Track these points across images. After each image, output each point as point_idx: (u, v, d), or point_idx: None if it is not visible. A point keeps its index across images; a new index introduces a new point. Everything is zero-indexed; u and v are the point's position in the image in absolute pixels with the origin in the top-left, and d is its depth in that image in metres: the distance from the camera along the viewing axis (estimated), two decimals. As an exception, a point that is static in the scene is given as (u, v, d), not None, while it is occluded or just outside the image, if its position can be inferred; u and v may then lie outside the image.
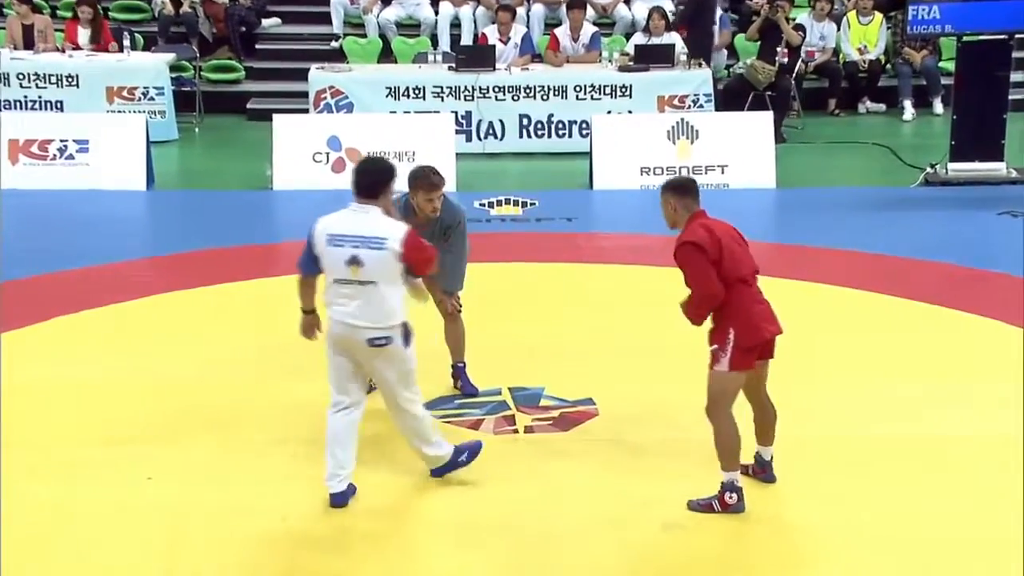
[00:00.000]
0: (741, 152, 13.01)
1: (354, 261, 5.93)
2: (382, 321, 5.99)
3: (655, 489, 6.45)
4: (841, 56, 16.08)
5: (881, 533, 6.06)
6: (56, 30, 15.47)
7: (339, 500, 6.19)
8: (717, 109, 14.27)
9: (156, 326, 8.83)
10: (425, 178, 6.95)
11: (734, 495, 6.13)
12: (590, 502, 6.35)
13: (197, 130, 15.26)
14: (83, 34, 15.27)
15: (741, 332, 5.92)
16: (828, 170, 13.73)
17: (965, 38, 12.71)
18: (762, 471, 6.46)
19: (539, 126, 14.34)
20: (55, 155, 12.87)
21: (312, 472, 6.45)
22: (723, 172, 12.97)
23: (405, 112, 13.98)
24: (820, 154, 14.31)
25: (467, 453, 6.49)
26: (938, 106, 15.79)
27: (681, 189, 6.07)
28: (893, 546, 5.95)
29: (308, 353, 8.26)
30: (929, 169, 13.02)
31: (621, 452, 6.89)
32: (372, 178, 6.01)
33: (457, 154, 12.97)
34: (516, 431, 7.17)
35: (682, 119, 13.19)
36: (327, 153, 12.95)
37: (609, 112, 14.06)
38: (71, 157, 12.87)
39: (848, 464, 6.76)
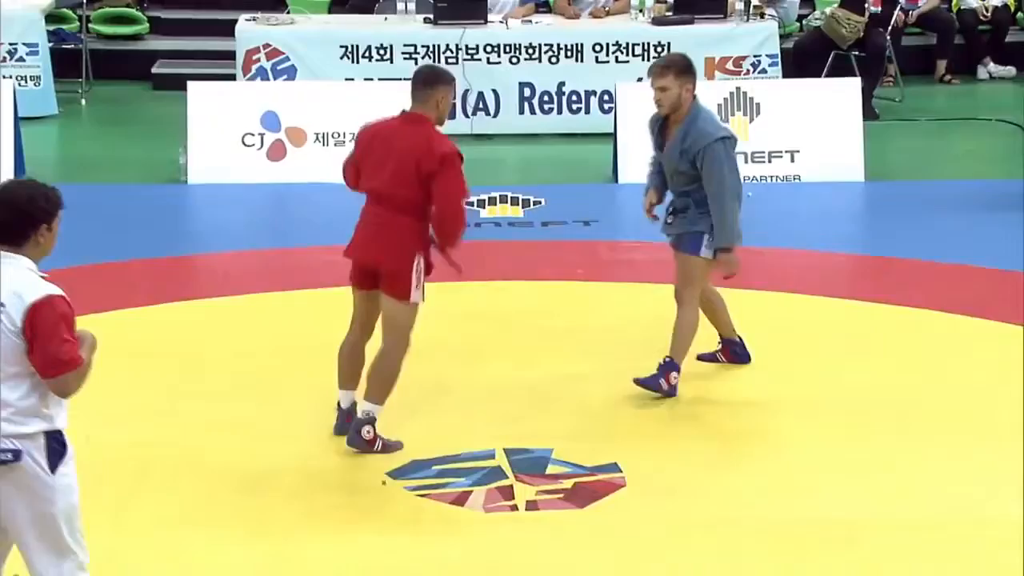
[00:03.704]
0: (817, 133, 13.05)
1: None
2: (6, 425, 5.21)
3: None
4: (954, 3, 16.16)
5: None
6: None
7: None
8: (785, 75, 14.38)
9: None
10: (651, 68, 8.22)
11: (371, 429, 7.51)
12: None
13: (84, 102, 15.32)
14: (-73, -28, 15.36)
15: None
16: (936, 157, 13.78)
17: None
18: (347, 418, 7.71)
19: (546, 98, 14.41)
20: None
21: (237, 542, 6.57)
22: (793, 160, 13.02)
23: (366, 79, 14.04)
24: (925, 135, 14.36)
25: None
26: (1086, 70, 15.93)
27: None
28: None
29: (230, 401, 8.32)
30: (1074, 155, 13.12)
31: (655, 536, 6.93)
32: (10, 216, 5.45)
33: (436, 135, 13.01)
34: (515, 507, 7.19)
35: (738, 88, 13.25)
36: (261, 134, 13.00)
37: (640, 80, 14.08)
38: (-89, 139, 12.91)
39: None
